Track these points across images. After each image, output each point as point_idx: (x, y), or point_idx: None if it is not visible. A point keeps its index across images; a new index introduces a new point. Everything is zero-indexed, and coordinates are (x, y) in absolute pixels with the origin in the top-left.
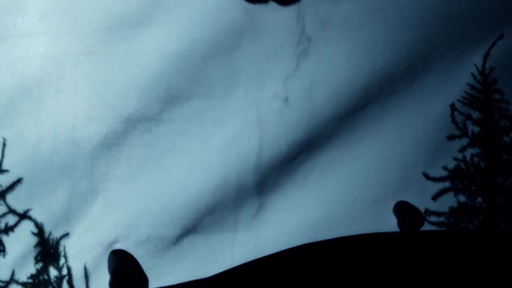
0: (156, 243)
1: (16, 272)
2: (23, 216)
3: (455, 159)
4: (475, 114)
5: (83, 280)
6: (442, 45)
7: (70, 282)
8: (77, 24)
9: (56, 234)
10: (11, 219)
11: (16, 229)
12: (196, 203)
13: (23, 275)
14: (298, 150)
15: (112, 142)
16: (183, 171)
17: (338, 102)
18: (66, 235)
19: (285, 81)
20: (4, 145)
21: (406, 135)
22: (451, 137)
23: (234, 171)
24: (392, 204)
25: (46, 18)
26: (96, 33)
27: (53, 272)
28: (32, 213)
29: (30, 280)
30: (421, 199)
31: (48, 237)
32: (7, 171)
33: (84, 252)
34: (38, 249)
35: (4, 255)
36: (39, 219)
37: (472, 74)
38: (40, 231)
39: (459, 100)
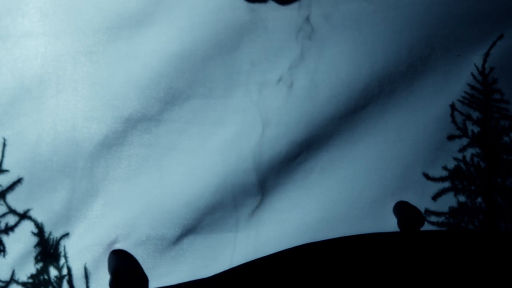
0: (156, 243)
1: (16, 272)
2: (23, 216)
3: (455, 159)
4: (475, 114)
5: (83, 280)
6: (442, 45)
7: (70, 282)
8: (77, 24)
9: (56, 234)
10: (11, 219)
11: (16, 229)
12: (196, 203)
13: (23, 275)
14: (298, 150)
15: (112, 142)
16: (183, 171)
17: (338, 102)
18: (66, 235)
19: (285, 81)
20: (4, 145)
21: (406, 135)
22: (451, 137)
23: (234, 171)
24: (392, 204)
25: (46, 18)
26: (96, 33)
27: (53, 272)
28: (32, 213)
29: (30, 280)
30: (421, 199)
31: (48, 237)
32: (7, 171)
33: (84, 252)
34: (38, 249)
35: (4, 255)
36: (39, 219)
37: (472, 74)
38: (40, 231)
39: (459, 100)
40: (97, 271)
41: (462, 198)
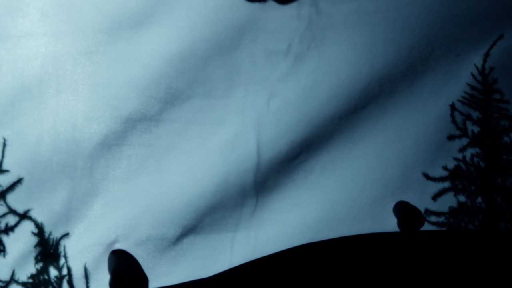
0: (156, 243)
1: (16, 272)
2: (23, 216)
3: (455, 159)
4: (475, 114)
5: (83, 280)
6: (442, 45)
7: (70, 282)
8: (78, 24)
9: (56, 234)
10: (11, 219)
11: (16, 229)
12: (196, 203)
13: (23, 275)
14: (298, 150)
15: (112, 142)
16: (183, 171)
17: (338, 102)
18: (66, 235)
19: (285, 81)
20: (4, 145)
21: (406, 135)
22: (451, 137)
23: (234, 171)
24: (392, 204)
25: (47, 19)
26: (97, 34)
27: (53, 272)
28: (32, 213)
29: (30, 280)
30: (421, 199)
31: (48, 237)
32: (7, 171)
33: (84, 252)
34: (38, 249)
35: (4, 255)
36: (39, 219)
37: (472, 74)
38: (40, 231)
39: (459, 100)
40: (97, 271)
41: (462, 198)
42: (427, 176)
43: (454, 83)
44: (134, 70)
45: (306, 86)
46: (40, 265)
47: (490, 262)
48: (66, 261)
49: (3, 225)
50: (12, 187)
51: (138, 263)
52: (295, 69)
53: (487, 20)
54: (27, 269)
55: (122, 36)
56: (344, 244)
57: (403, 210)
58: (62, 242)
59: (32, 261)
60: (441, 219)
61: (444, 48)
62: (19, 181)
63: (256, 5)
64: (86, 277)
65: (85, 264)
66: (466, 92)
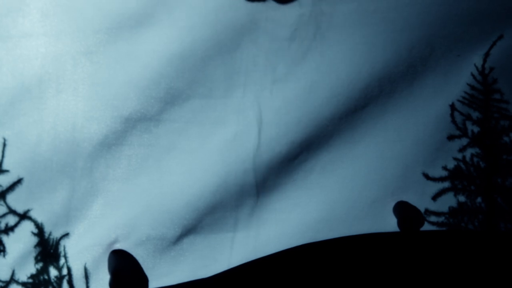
0: (156, 243)
1: (16, 272)
2: (23, 216)
3: (455, 159)
4: (475, 114)
5: (83, 280)
6: (442, 45)
7: (70, 282)
8: (78, 24)
9: (56, 234)
10: (11, 219)
11: (16, 229)
12: (196, 203)
13: (23, 275)
14: (298, 150)
15: (112, 142)
16: (183, 171)
17: (338, 102)
18: (66, 235)
19: (285, 81)
20: (4, 145)
21: (406, 135)
22: (451, 137)
23: (234, 171)
24: (392, 204)
25: (47, 19)
26: (97, 34)
27: (53, 272)
28: (32, 213)
29: (30, 280)
30: (421, 199)
31: (48, 237)
32: (7, 171)
33: (84, 252)
34: (38, 249)
35: (4, 255)
36: (39, 219)
37: (472, 74)
38: (40, 231)
39: (459, 100)
40: (97, 271)
41: (462, 198)
42: (427, 176)
43: (454, 83)
44: (134, 70)
45: (306, 86)
46: (40, 265)
47: (490, 262)
48: (66, 261)
49: (3, 225)
50: (12, 187)
51: (138, 263)
52: (295, 69)
53: (487, 20)
54: (27, 269)
55: (122, 36)
56: (344, 244)
57: (403, 210)
58: (62, 242)
59: (32, 261)
60: (441, 219)
61: (444, 48)
62: (19, 181)
63: (256, 5)
64: (86, 277)
65: (85, 264)
66: (466, 92)
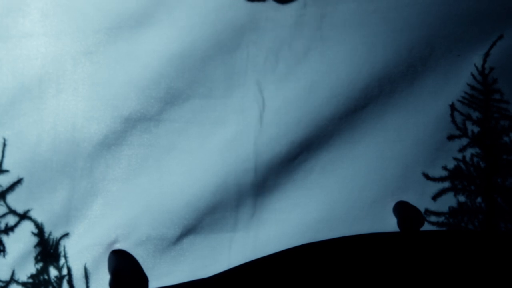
0: (156, 243)
1: (16, 272)
2: (23, 216)
3: (455, 159)
4: (475, 114)
5: (83, 280)
6: (442, 45)
7: (70, 282)
8: (78, 24)
9: (56, 234)
10: (11, 219)
11: (16, 229)
12: (196, 203)
13: (23, 275)
14: (298, 150)
15: (112, 142)
16: (183, 171)
17: (338, 102)
18: (66, 235)
19: (285, 81)
20: (4, 145)
21: (406, 135)
22: (451, 137)
23: (234, 171)
24: (392, 204)
25: (47, 19)
26: (97, 34)
27: (53, 272)
28: (32, 213)
29: (30, 280)
30: (421, 199)
31: (48, 237)
32: (7, 171)
33: (84, 252)
34: (38, 249)
35: (4, 255)
36: (39, 219)
37: (472, 74)
38: (40, 231)
39: (459, 100)
40: (97, 271)
41: (462, 198)
42: (427, 176)
43: (454, 83)
44: (134, 70)
45: (306, 86)
46: (40, 265)
47: (490, 262)
48: (66, 261)
49: (3, 225)
50: (12, 187)
51: (138, 263)
52: (295, 69)
53: (487, 20)
54: (27, 269)
55: (122, 36)
56: (344, 244)
57: (403, 210)
58: (62, 242)
59: (32, 261)
60: (441, 219)
61: (444, 48)
62: (19, 181)
63: (256, 5)
64: (86, 277)
65: (85, 264)
66: (466, 92)
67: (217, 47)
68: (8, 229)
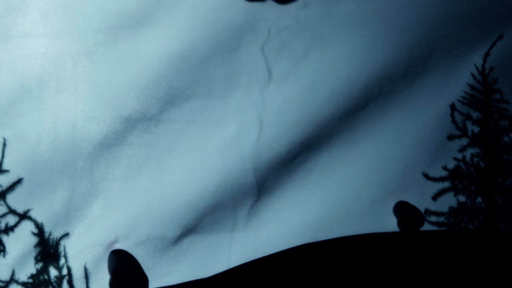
0: (156, 243)
1: (16, 272)
2: (23, 216)
3: (455, 159)
4: (475, 114)
5: (83, 280)
6: (442, 45)
7: (70, 282)
8: (78, 24)
9: (56, 234)
10: (11, 219)
11: (16, 229)
12: (196, 203)
13: (23, 275)
14: (298, 150)
15: (112, 142)
16: (183, 171)
17: (338, 102)
18: (66, 235)
19: (285, 81)
20: (4, 145)
21: (406, 135)
22: (451, 137)
23: (234, 171)
24: (392, 204)
25: (47, 19)
26: (97, 34)
27: (53, 272)
28: (32, 213)
29: (30, 280)
30: (421, 199)
31: (48, 237)
32: (7, 171)
33: (84, 252)
34: (38, 249)
35: (4, 255)
36: (39, 219)
37: (472, 74)
38: (40, 231)
39: (459, 100)
40: (97, 271)
41: (462, 198)
42: (427, 176)
43: (454, 83)
44: (134, 70)
45: (306, 86)
46: (40, 265)
47: (490, 262)
48: (66, 261)
49: (3, 225)
50: (12, 187)
51: (138, 263)
52: (295, 69)
53: (487, 20)
54: (27, 269)
55: (122, 36)
56: (344, 244)
57: (403, 210)
58: (62, 242)
59: (32, 261)
60: (441, 219)
61: (444, 48)
62: (19, 181)
63: (256, 5)
64: (86, 277)
65: (85, 264)
66: (466, 92)
67: (217, 47)
68: (8, 229)
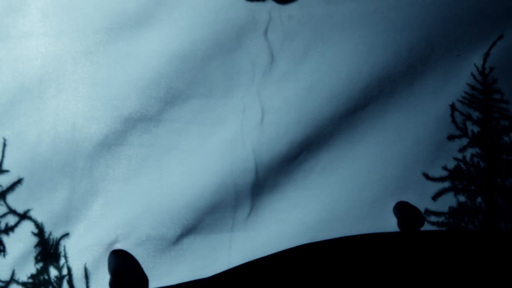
0: (156, 243)
1: (16, 272)
2: (23, 216)
3: (455, 159)
4: (475, 114)
5: (83, 280)
6: (442, 45)
7: (70, 282)
8: (78, 24)
9: (56, 234)
10: (11, 219)
11: (16, 229)
12: (196, 203)
13: (23, 275)
14: (298, 150)
15: (112, 142)
16: (183, 171)
17: (338, 102)
18: (66, 235)
19: (285, 81)
20: (4, 145)
21: (406, 135)
22: (451, 137)
23: (234, 171)
24: (392, 204)
25: (47, 19)
26: (97, 34)
27: (53, 272)
28: (32, 213)
29: (30, 280)
30: (421, 199)
31: (48, 237)
32: (7, 171)
33: (84, 252)
34: (38, 249)
35: (4, 255)
36: (39, 219)
37: (472, 74)
38: (40, 231)
39: (459, 100)
40: (97, 271)
41: (462, 198)
42: (427, 176)
43: (454, 83)
44: (134, 70)
45: (306, 86)
46: (40, 265)
47: (490, 262)
48: (66, 261)
49: (3, 225)
50: (12, 187)
51: (138, 263)
52: (295, 69)
53: (487, 20)
54: (27, 269)
55: (122, 36)
56: (344, 244)
57: (403, 210)
58: (62, 242)
59: (32, 261)
60: (441, 219)
61: (444, 48)
62: (19, 181)
63: (256, 5)
64: (86, 277)
65: (85, 264)
66: (466, 92)
67: (217, 47)
68: (8, 229)
